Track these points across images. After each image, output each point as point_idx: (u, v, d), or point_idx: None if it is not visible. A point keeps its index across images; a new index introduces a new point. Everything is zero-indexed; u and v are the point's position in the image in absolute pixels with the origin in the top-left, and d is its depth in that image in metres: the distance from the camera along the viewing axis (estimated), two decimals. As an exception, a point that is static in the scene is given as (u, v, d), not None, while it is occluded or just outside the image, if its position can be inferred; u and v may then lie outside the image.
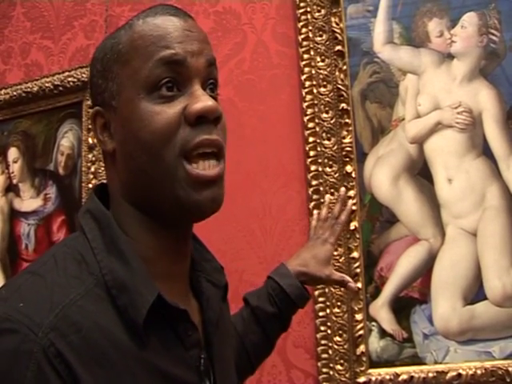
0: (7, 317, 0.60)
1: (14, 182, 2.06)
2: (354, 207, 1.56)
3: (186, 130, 0.68)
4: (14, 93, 2.04)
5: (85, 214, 0.74)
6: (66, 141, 1.98)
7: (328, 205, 1.28)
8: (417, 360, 1.47)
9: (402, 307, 1.50)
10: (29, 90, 2.01)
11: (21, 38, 2.16)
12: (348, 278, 1.19)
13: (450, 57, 1.55)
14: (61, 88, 1.94)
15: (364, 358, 1.51)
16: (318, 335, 1.56)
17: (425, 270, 1.50)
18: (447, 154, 1.52)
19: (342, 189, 1.45)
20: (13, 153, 2.07)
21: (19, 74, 2.13)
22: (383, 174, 1.58)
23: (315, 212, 1.30)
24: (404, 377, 1.45)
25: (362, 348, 1.51)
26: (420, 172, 1.55)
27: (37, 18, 2.14)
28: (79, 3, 2.04)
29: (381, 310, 1.52)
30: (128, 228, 0.72)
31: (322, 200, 1.57)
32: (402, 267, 1.52)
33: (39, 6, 2.14)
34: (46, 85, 1.97)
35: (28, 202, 2.02)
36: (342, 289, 1.53)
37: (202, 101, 0.69)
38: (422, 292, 1.49)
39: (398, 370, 1.47)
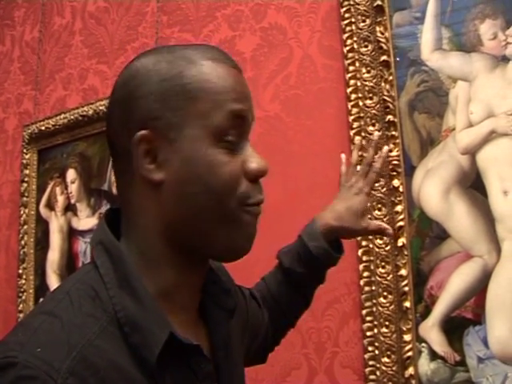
0: (26, 364, 0.59)
1: (72, 201, 2.16)
2: (401, 223, 1.50)
3: (248, 185, 0.72)
4: (72, 117, 2.14)
5: (97, 246, 0.72)
6: (119, 161, 2.04)
7: (358, 148, 1.17)
8: (471, 385, 1.36)
9: (454, 328, 1.41)
10: (85, 113, 2.10)
11: (79, 64, 2.27)
12: (385, 225, 1.12)
13: (505, 59, 1.44)
14: (114, 110, 1.99)
15: (413, 381, 1.43)
16: (366, 356, 1.50)
17: (479, 289, 1.39)
18: (502, 165, 1.40)
19: (376, 133, 1.29)
20: (71, 174, 2.17)
21: (77, 98, 2.23)
22: (433, 187, 1.49)
23: (343, 156, 1.16)
24: (456, 403, 1.35)
25: (410, 370, 1.43)
26: (472, 184, 1.44)
27: (93, 44, 2.24)
28: (131, 27, 2.11)
29: (431, 330, 1.43)
30: (149, 261, 0.71)
31: (369, 217, 1.50)
32: (453, 285, 1.42)
33: (95, 33, 2.23)
34: (100, 108, 2.05)
35: (84, 220, 2.10)
36: (391, 308, 1.48)
37: (260, 161, 0.73)
38: (476, 312, 1.39)
39: (450, 395, 1.37)
